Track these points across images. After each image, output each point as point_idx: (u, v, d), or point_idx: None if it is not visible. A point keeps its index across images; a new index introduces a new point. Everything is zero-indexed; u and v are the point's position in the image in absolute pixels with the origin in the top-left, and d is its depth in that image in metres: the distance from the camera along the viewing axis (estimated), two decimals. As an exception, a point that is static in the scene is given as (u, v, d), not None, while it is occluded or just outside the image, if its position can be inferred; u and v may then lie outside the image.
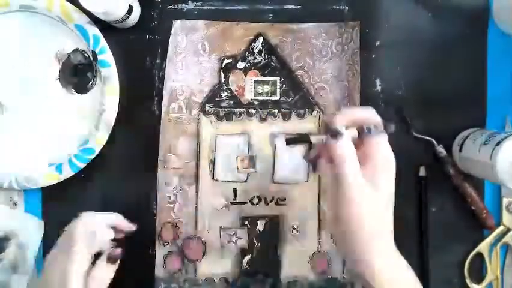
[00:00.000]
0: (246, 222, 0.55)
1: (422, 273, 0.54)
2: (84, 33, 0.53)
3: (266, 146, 0.55)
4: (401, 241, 0.45)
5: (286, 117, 0.55)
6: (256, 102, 0.55)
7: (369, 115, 0.41)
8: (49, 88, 0.55)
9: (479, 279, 0.54)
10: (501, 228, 0.54)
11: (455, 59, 0.54)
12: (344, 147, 0.39)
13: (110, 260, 0.47)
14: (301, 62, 0.55)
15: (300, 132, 0.54)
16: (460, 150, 0.52)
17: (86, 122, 0.55)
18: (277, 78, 0.55)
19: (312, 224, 0.54)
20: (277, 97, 0.55)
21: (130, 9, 0.52)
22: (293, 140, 0.44)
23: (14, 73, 0.55)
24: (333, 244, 0.54)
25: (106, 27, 0.53)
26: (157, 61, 0.55)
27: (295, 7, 0.55)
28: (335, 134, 0.39)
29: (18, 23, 0.54)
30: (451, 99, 0.54)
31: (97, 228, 0.46)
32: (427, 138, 0.54)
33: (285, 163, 0.55)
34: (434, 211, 0.54)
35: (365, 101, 0.54)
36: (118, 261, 0.47)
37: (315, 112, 0.55)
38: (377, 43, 0.54)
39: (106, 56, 0.53)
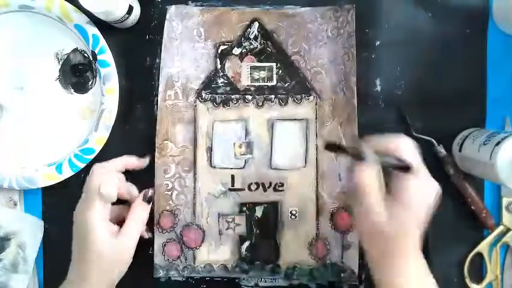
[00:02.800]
0: (245, 209, 0.55)
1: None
2: (83, 33, 0.53)
3: (263, 131, 0.55)
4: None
5: (283, 102, 0.55)
6: (252, 88, 0.55)
7: (400, 146, 0.41)
8: (49, 88, 0.55)
9: (479, 279, 0.54)
10: (501, 228, 0.54)
11: (455, 59, 0.54)
12: (366, 177, 0.40)
13: (145, 199, 0.51)
14: (297, 47, 0.55)
15: (297, 117, 0.54)
16: (460, 150, 0.52)
17: (86, 122, 0.55)
18: (274, 64, 0.55)
19: (310, 210, 0.54)
20: (274, 83, 0.55)
21: (130, 9, 0.52)
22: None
23: (14, 73, 0.55)
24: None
25: (105, 27, 0.53)
26: (157, 61, 0.55)
27: (290, -9, 0.55)
28: (360, 158, 0.40)
29: (17, 23, 0.54)
30: (451, 99, 0.54)
31: (107, 176, 0.48)
32: (427, 138, 0.54)
33: (283, 149, 0.55)
34: (433, 211, 0.54)
35: (365, 101, 0.54)
36: (152, 201, 0.52)
37: (311, 97, 0.54)
38: (377, 43, 0.54)
39: (106, 55, 0.53)
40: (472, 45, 0.54)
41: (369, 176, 0.40)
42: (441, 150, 0.53)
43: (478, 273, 0.54)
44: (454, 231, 0.54)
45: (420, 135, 0.54)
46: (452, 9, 0.54)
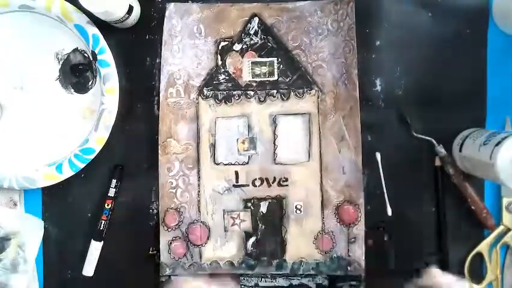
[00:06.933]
0: (249, 205, 0.55)
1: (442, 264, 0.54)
2: (84, 33, 0.53)
3: (266, 127, 0.55)
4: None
5: (285, 97, 0.55)
6: (254, 84, 0.55)
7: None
8: (49, 88, 0.55)
9: (479, 279, 0.54)
10: (501, 228, 0.54)
11: (455, 59, 0.54)
12: None
13: None
14: (297, 41, 0.55)
15: (299, 111, 0.55)
16: (460, 150, 0.52)
17: (86, 121, 0.55)
18: (275, 59, 0.55)
19: (315, 204, 0.54)
20: (275, 77, 0.55)
21: (130, 9, 0.52)
22: None
23: (14, 73, 0.55)
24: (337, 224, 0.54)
25: (105, 27, 0.53)
26: (157, 61, 0.55)
27: (289, -14, 0.55)
28: None
29: (18, 23, 0.54)
30: (451, 99, 0.54)
31: None
32: (427, 138, 0.54)
33: (286, 143, 0.55)
34: (433, 211, 0.54)
35: (365, 101, 0.54)
36: None
37: (313, 91, 0.55)
38: (377, 43, 0.54)
39: (106, 55, 0.53)
40: (472, 45, 0.54)
41: None
42: (441, 150, 0.53)
43: (478, 273, 0.54)
44: (454, 231, 0.54)
45: (420, 135, 0.54)
46: (452, 9, 0.54)
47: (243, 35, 0.55)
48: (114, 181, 0.54)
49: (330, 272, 0.54)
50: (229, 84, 0.55)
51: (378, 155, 0.54)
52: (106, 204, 0.54)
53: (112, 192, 0.54)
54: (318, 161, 0.55)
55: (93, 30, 0.53)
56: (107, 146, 0.54)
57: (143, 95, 0.55)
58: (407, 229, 0.54)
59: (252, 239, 0.55)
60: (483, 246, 0.54)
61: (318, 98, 0.55)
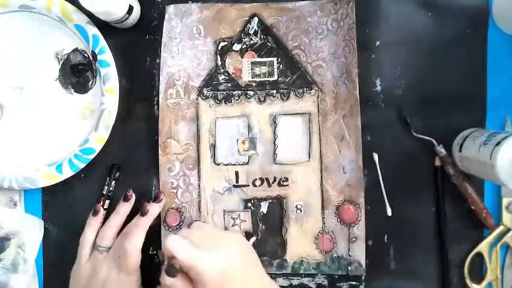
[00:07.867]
0: (250, 205, 0.55)
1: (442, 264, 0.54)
2: (84, 33, 0.53)
3: (266, 127, 0.55)
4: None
5: (284, 97, 0.55)
6: (254, 84, 0.55)
7: (169, 251, 0.45)
8: (49, 88, 0.55)
9: (479, 279, 0.54)
10: (501, 228, 0.54)
11: (455, 59, 0.54)
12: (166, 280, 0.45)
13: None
14: (297, 41, 0.55)
15: (299, 111, 0.55)
16: (460, 150, 0.52)
17: (86, 122, 0.55)
18: (274, 59, 0.55)
19: (315, 203, 0.55)
20: (275, 77, 0.55)
21: (130, 9, 0.52)
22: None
23: (14, 73, 0.55)
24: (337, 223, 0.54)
25: (105, 27, 0.53)
26: (157, 61, 0.55)
27: (289, -14, 0.55)
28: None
29: (18, 23, 0.54)
30: (451, 99, 0.54)
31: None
32: (427, 138, 0.54)
33: (286, 143, 0.55)
34: (433, 211, 0.54)
35: (365, 101, 0.54)
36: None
37: (313, 91, 0.55)
38: (377, 43, 0.54)
39: (106, 56, 0.53)
40: (472, 45, 0.54)
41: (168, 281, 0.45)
42: (441, 150, 0.53)
43: (478, 273, 0.54)
44: (454, 231, 0.54)
45: (420, 135, 0.54)
46: (452, 9, 0.54)
47: (242, 35, 0.55)
48: (108, 179, 0.55)
49: (331, 272, 0.54)
50: (229, 85, 0.55)
51: (375, 156, 0.54)
52: (104, 204, 0.54)
53: (105, 190, 0.54)
54: (319, 161, 0.55)
55: (93, 30, 0.53)
56: (107, 146, 0.54)
57: (143, 95, 0.55)
58: (407, 229, 0.54)
59: (253, 239, 0.55)
60: (483, 246, 0.54)
61: (318, 97, 0.55)
